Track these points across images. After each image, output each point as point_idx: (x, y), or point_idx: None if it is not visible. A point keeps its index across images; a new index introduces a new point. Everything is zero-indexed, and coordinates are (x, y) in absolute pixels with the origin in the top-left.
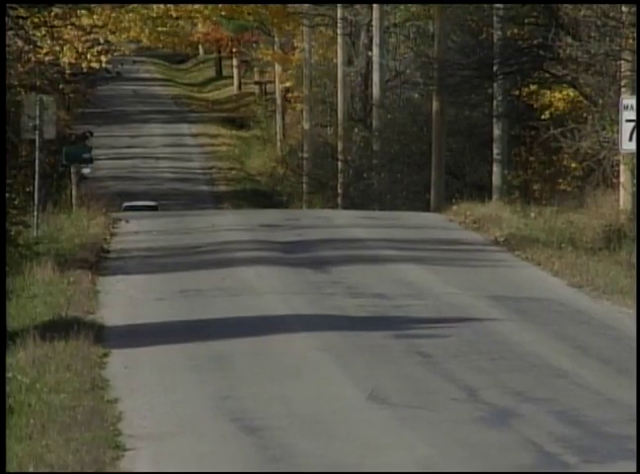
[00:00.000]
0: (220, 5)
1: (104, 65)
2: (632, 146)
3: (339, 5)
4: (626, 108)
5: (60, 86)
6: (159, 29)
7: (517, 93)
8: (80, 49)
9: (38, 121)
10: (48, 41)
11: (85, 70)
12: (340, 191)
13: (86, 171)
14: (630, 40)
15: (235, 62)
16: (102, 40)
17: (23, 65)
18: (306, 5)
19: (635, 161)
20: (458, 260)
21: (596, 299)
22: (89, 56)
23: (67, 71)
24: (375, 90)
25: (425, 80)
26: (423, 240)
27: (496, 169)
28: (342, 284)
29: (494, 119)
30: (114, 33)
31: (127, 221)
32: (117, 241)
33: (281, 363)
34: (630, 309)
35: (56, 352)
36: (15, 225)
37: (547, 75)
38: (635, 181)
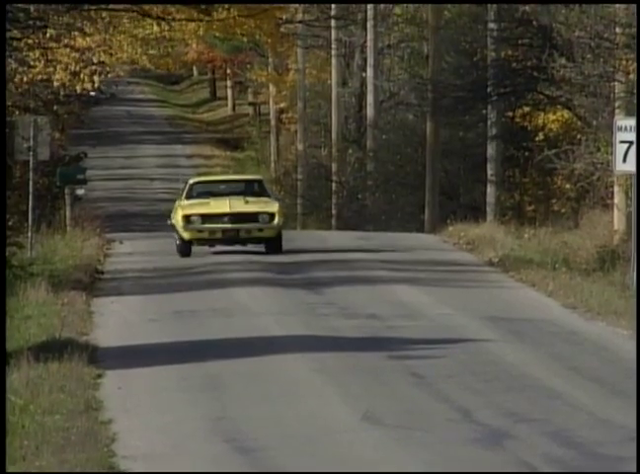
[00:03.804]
0: (214, 25)
1: (97, 85)
2: (626, 168)
3: (333, 26)
4: (620, 129)
5: (54, 107)
6: (152, 51)
7: (511, 114)
8: (74, 70)
9: (32, 143)
10: (42, 63)
11: (79, 91)
12: (334, 212)
13: (80, 192)
14: (624, 62)
15: (229, 83)
16: (95, 61)
17: (17, 86)
18: (300, 26)
19: (629, 182)
20: (452, 281)
21: (590, 320)
22: (82, 76)
23: (61, 92)
24: (370, 111)
25: (419, 101)
26: (417, 261)
27: (490, 190)
28: (336, 305)
29: (488, 141)
30: (109, 54)
31: (121, 242)
32: (110, 262)
33: (275, 384)
34: (624, 330)
35: (50, 373)
36: (9, 246)
37: (541, 96)
38: (629, 202)
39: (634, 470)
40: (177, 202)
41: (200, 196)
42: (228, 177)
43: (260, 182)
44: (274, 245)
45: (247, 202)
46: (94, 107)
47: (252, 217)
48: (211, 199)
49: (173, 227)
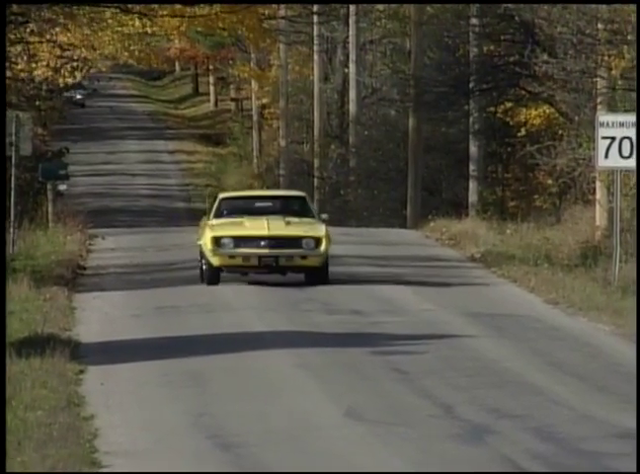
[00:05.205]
0: (196, 21)
1: (78, 80)
2: (608, 163)
3: (315, 22)
4: (602, 125)
5: (37, 103)
6: (134, 47)
7: (493, 110)
8: (55, 66)
9: (14, 138)
10: (24, 58)
11: (61, 86)
12: (316, 207)
13: (62, 187)
14: (606, 58)
15: (211, 79)
16: (76, 57)
17: None
18: (283, 22)
19: (611, 178)
20: (435, 276)
21: (572, 316)
22: (64, 72)
23: (43, 88)
24: (352, 107)
25: (401, 97)
26: (399, 257)
27: (472, 185)
28: (318, 301)
29: (470, 136)
30: (90, 49)
31: (104, 238)
32: (93, 258)
33: (258, 380)
34: (606, 326)
35: (32, 368)
36: None
37: (523, 92)
38: (611, 198)
39: (629, 468)
40: (203, 221)
41: (230, 214)
42: (265, 192)
43: (302, 199)
44: (318, 276)
45: (288, 224)
46: (80, 109)
47: (294, 242)
48: (245, 219)
49: (199, 249)
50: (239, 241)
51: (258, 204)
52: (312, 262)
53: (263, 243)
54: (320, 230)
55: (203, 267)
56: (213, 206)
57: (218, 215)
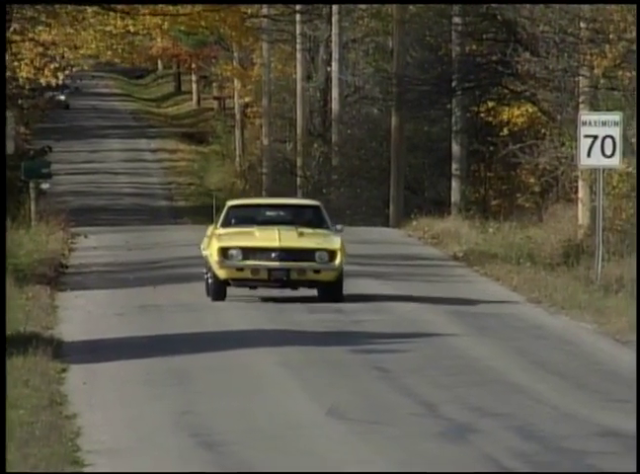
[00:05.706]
0: (179, 19)
1: (61, 81)
2: (590, 162)
3: (298, 21)
4: (584, 123)
5: (19, 101)
6: (116, 46)
7: (475, 109)
8: (38, 65)
9: None
10: (7, 57)
11: (44, 85)
12: None
13: (45, 186)
14: (588, 56)
15: (194, 78)
16: (58, 58)
17: None
18: (265, 20)
19: (593, 177)
20: (417, 275)
21: (554, 314)
22: (46, 72)
23: (26, 87)
24: (334, 105)
25: (384, 95)
26: (382, 255)
27: (455, 184)
28: (300, 300)
29: (453, 135)
30: (73, 48)
31: (86, 236)
32: (75, 256)
33: (241, 379)
34: (588, 324)
35: (14, 367)
36: None
37: (506, 91)
38: (594, 196)
39: (612, 467)
40: (210, 230)
41: (239, 223)
42: (276, 200)
43: (317, 208)
44: (332, 291)
45: (301, 235)
46: (65, 111)
47: (307, 255)
48: (255, 229)
49: (205, 260)
50: (248, 252)
51: (268, 213)
52: (326, 276)
53: (273, 255)
54: (335, 242)
55: (209, 280)
56: (221, 214)
57: (226, 224)
